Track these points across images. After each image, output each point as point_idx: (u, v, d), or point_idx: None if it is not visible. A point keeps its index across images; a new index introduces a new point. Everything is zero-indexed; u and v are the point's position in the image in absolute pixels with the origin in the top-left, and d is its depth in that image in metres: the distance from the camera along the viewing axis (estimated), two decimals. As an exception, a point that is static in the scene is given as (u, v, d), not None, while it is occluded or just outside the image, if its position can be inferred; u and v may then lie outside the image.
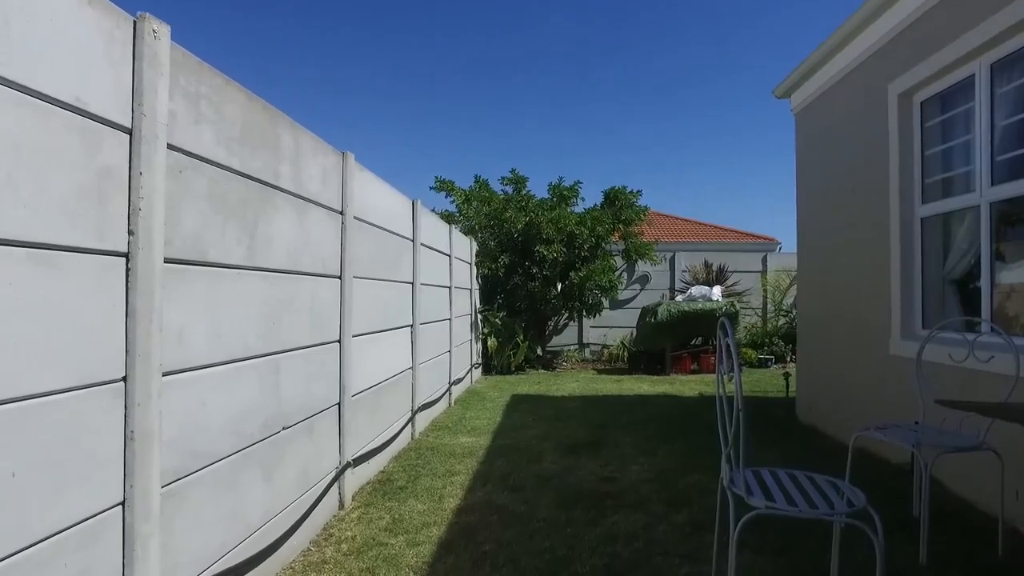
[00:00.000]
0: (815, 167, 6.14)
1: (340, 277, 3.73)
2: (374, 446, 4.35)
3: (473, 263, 9.50)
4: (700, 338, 10.17)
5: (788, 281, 11.32)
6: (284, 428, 2.96)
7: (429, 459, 4.80)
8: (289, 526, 2.99)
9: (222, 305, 2.40)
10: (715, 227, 26.76)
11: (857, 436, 3.21)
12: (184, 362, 2.15)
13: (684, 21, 54.28)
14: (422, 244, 5.89)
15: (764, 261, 12.25)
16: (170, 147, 2.04)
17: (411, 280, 5.54)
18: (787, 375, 7.50)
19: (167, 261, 2.03)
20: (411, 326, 5.53)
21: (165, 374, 2.02)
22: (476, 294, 9.92)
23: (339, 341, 3.71)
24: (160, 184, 1.95)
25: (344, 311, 3.74)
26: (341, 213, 3.75)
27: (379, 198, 4.55)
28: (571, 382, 9.28)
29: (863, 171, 5.09)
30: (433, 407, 6.42)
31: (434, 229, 6.55)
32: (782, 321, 11.43)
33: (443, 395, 6.95)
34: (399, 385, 5.12)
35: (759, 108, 64.39)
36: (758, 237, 26.03)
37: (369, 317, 4.30)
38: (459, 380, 8.01)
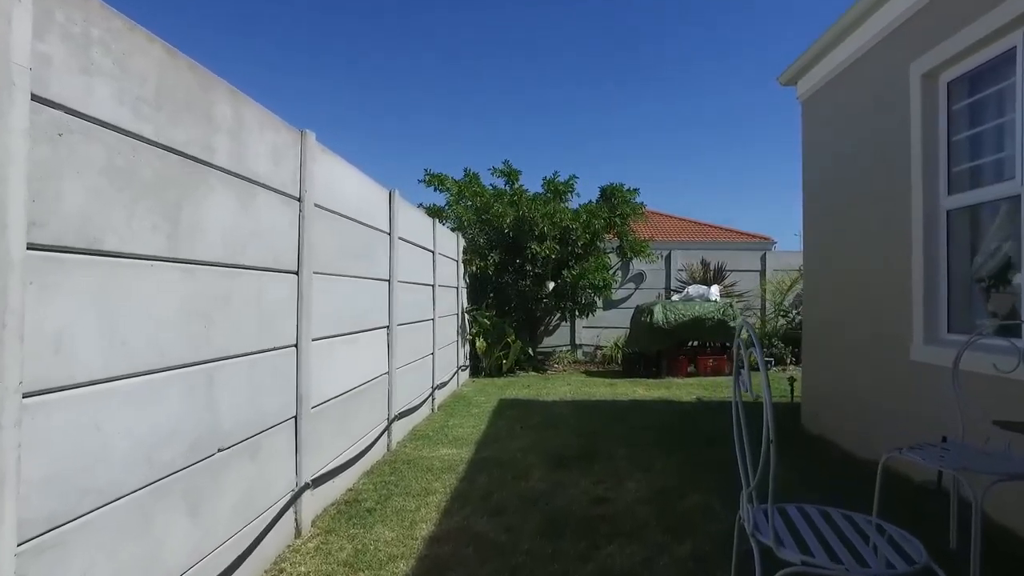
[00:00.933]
0: (824, 157, 5.73)
1: (297, 273, 3.27)
2: (341, 462, 3.89)
3: (460, 260, 9.05)
4: (697, 341, 9.76)
5: (789, 281, 10.94)
6: (221, 450, 2.50)
7: (404, 475, 4.34)
8: (226, 565, 2.53)
9: (127, 304, 1.95)
10: (711, 226, 26.46)
11: (887, 458, 2.78)
12: (65, 378, 1.69)
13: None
14: (400, 239, 5.44)
15: (763, 260, 11.86)
16: (38, 99, 1.58)
17: (387, 277, 5.08)
18: (792, 380, 7.10)
19: (34, 248, 1.57)
20: (387, 327, 5.07)
21: (30, 394, 1.56)
22: (464, 293, 9.48)
23: (296, 345, 3.26)
24: (18, 147, 1.49)
25: (302, 311, 3.28)
26: (298, 200, 3.29)
27: (347, 185, 4.09)
28: (563, 385, 8.85)
29: (880, 160, 4.67)
30: (414, 414, 5.97)
31: (415, 223, 6.10)
32: (781, 322, 11.04)
33: (425, 400, 6.50)
34: (373, 392, 4.67)
35: (754, 95, 64.16)
36: (754, 236, 25.77)
37: (335, 318, 3.85)
38: (443, 384, 7.56)
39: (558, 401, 7.53)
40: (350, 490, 4.02)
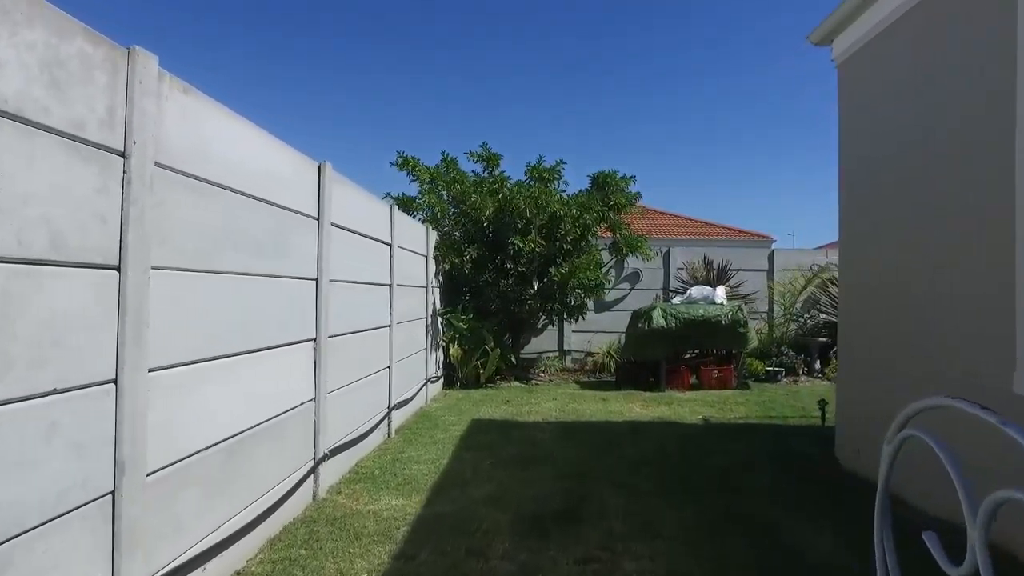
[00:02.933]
0: (872, 128, 4.61)
1: (118, 269, 2.10)
2: (215, 541, 2.72)
3: (431, 256, 7.88)
4: (700, 349, 8.63)
5: (803, 281, 9.85)
6: None
7: (320, 546, 3.18)
8: None
9: None
10: (709, 223, 25.43)
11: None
12: None
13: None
14: (336, 226, 4.26)
15: (770, 259, 10.76)
16: None
17: (313, 275, 3.91)
18: (824, 403, 5.96)
19: None
20: (313, 340, 3.90)
21: None
22: (437, 294, 8.32)
23: (115, 381, 2.09)
24: None
25: (125, 328, 2.11)
26: (122, 155, 2.12)
27: (231, 144, 2.91)
28: (547, 400, 7.70)
29: (962, 126, 3.55)
30: (359, 445, 4.81)
31: (361, 208, 4.92)
32: (792, 327, 9.95)
33: (377, 425, 5.33)
34: (287, 429, 3.50)
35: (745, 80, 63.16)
36: (752, 234, 24.77)
37: (207, 333, 2.68)
38: (406, 401, 6.40)
39: (540, 423, 6.38)
40: (237, 573, 2.85)
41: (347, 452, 4.54)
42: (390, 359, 5.77)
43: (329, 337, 4.11)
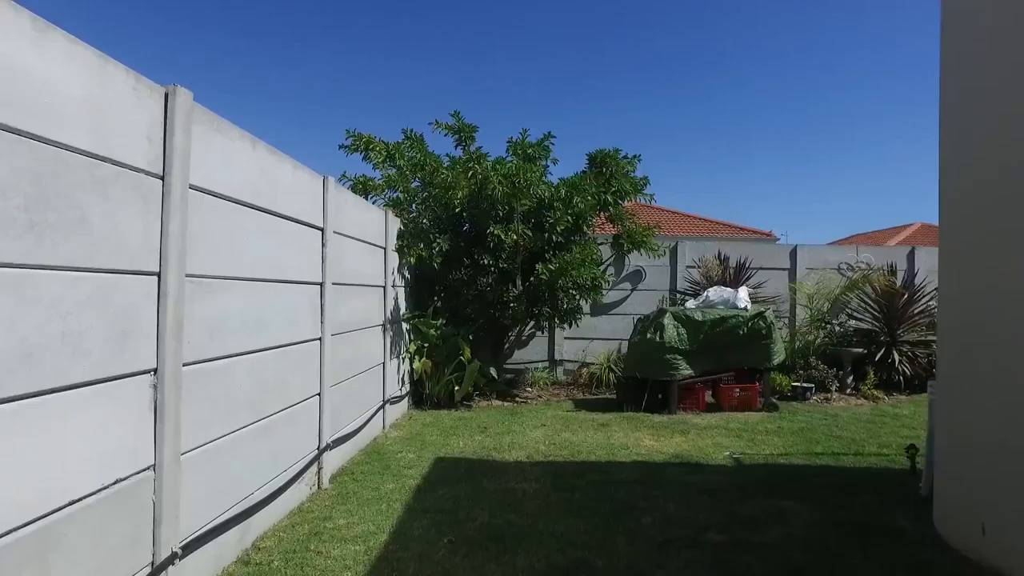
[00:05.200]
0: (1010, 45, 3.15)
1: None
2: None
3: (392, 248, 6.39)
4: (724, 365, 7.14)
5: (839, 282, 8.45)
6: None
7: None
8: None
9: None
10: (713, 221, 24.04)
11: None
12: None
13: None
14: (202, 190, 2.76)
15: (792, 256, 9.33)
16: None
17: (152, 270, 2.41)
18: (914, 450, 4.50)
19: None
20: (151, 373, 2.40)
21: None
22: (401, 294, 6.83)
23: None
24: None
25: None
26: None
27: None
28: (534, 427, 6.23)
29: None
30: (259, 513, 3.32)
31: (259, 168, 3.40)
32: (819, 336, 8.53)
33: (295, 479, 3.84)
34: (92, 525, 2.01)
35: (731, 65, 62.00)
36: (756, 232, 23.45)
37: None
38: (349, 436, 4.92)
39: (524, 464, 4.91)
40: None
41: (232, 531, 3.05)
42: (321, 384, 4.28)
43: (187, 365, 2.61)
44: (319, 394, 4.27)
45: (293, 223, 3.82)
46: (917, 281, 8.52)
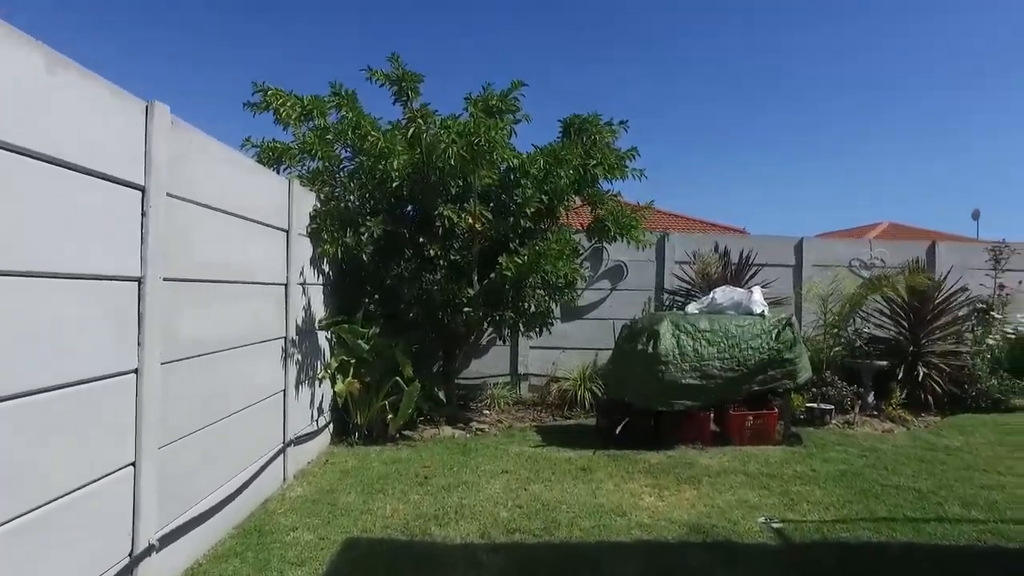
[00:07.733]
0: None
1: None
2: None
3: (298, 231, 4.68)
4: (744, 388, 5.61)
5: (871, 280, 7.08)
6: None
7: None
8: None
9: None
10: (673, 215, 22.90)
11: None
12: None
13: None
14: None
15: (798, 251, 7.97)
16: None
17: None
18: None
19: None
20: None
21: None
22: (317, 294, 5.14)
23: None
24: None
25: None
26: None
27: None
28: (492, 475, 4.61)
29: None
30: None
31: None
32: (835, 346, 7.18)
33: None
34: None
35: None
36: (727, 228, 22.40)
37: None
38: (214, 509, 3.21)
39: (478, 549, 3.30)
40: None
41: None
42: (138, 446, 2.57)
43: None
44: (134, 463, 2.55)
45: (59, 169, 2.11)
46: (948, 282, 7.25)
